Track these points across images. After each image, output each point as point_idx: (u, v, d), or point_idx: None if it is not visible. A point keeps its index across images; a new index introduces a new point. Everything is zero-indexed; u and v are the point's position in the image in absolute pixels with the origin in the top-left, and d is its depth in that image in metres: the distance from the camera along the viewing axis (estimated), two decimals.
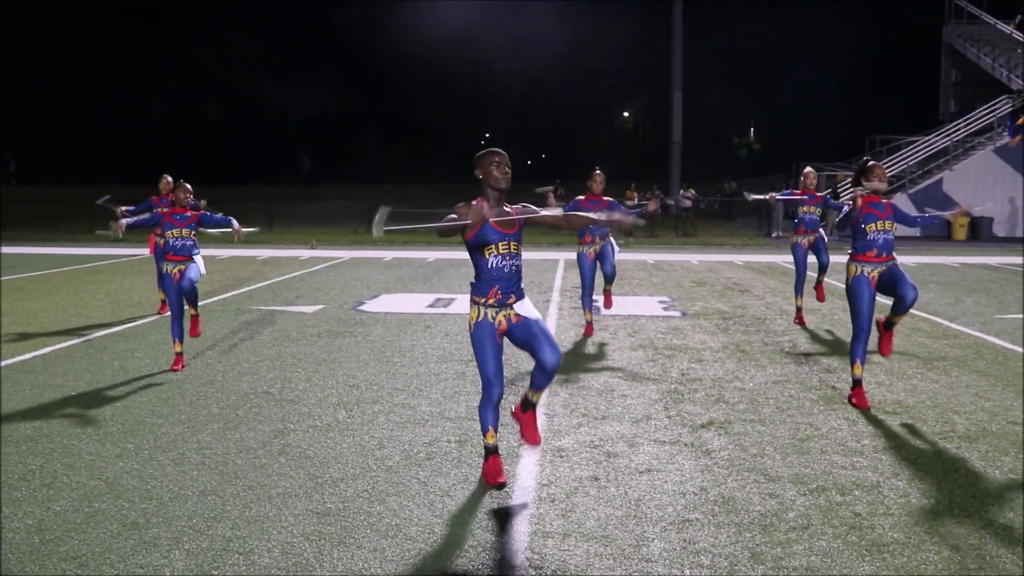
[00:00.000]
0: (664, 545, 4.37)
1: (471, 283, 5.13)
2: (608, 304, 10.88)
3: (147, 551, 4.28)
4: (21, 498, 4.98)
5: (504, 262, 5.02)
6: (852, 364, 7.13)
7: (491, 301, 5.03)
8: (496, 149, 5.10)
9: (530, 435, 5.42)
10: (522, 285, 5.19)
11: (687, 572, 4.07)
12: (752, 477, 5.37)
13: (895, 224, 7.12)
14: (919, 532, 4.54)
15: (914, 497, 5.04)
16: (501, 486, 5.15)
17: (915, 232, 28.97)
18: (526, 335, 5.06)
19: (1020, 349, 9.47)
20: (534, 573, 4.08)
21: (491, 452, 5.23)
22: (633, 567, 4.13)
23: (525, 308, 5.13)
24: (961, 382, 7.91)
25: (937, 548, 4.34)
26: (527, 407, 5.39)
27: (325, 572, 4.07)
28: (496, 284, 5.02)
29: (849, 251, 7.18)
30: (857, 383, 7.12)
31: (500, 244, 4.99)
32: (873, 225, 7.03)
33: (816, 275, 11.59)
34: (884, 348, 7.54)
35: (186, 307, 8.59)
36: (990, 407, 7.02)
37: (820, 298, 11.75)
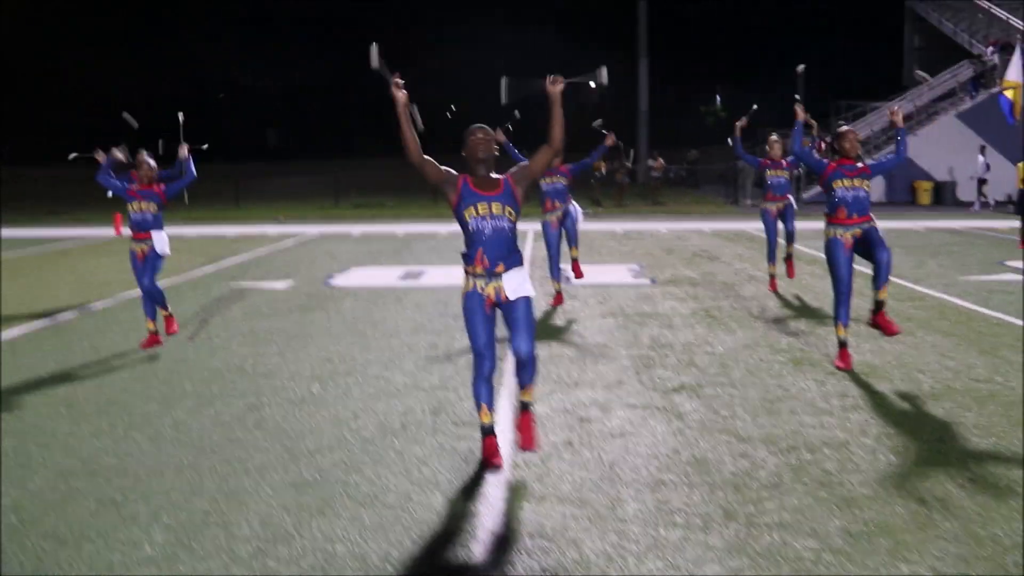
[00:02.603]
0: (639, 506, 4.45)
1: (461, 253, 4.97)
2: (578, 273, 10.78)
3: (126, 527, 4.29)
4: None
5: (484, 223, 4.80)
6: (835, 326, 7.19)
7: (479, 270, 4.84)
8: (477, 125, 4.95)
9: (524, 438, 5.07)
10: (516, 253, 4.92)
11: (662, 532, 4.15)
12: (724, 438, 5.46)
13: (868, 183, 7.00)
14: (887, 487, 4.65)
15: (881, 453, 5.15)
16: (496, 468, 4.97)
17: (881, 197, 29.27)
18: (507, 319, 4.91)
19: (982, 309, 9.65)
20: (511, 536, 4.14)
21: (486, 432, 5.04)
22: (609, 528, 4.20)
23: (514, 283, 4.85)
24: (926, 342, 8.06)
25: (904, 501, 4.45)
26: (522, 408, 5.12)
27: (305, 542, 4.11)
28: (479, 248, 4.81)
29: (824, 212, 7.21)
30: (841, 345, 7.18)
31: (479, 205, 4.80)
32: (840, 182, 6.97)
33: (785, 244, 11.32)
34: (887, 327, 7.06)
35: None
36: (954, 366, 7.17)
37: (790, 274, 11.31)
